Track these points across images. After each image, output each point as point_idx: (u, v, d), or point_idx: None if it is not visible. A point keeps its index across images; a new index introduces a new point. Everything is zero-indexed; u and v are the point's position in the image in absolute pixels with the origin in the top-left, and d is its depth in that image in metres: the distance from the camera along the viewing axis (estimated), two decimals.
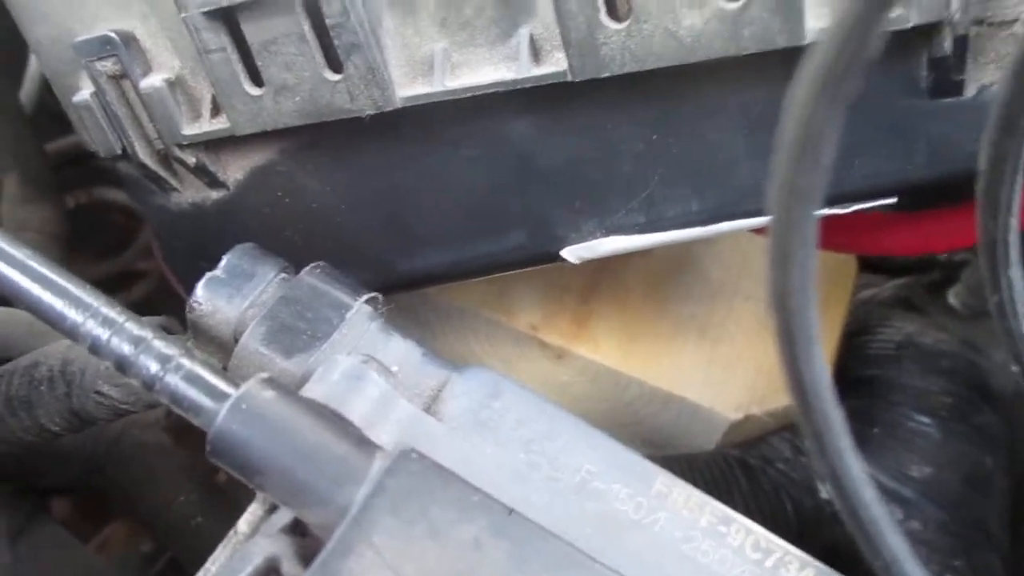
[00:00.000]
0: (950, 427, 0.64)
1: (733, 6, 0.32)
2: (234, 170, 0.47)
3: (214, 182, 0.47)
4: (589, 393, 0.64)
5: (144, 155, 0.45)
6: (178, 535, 0.60)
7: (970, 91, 0.34)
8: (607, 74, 0.34)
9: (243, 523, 0.32)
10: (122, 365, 0.32)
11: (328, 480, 0.30)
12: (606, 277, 0.64)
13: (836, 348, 0.68)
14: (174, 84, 0.43)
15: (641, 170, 0.40)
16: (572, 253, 0.43)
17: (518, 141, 0.40)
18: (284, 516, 0.31)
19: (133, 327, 0.32)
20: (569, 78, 0.35)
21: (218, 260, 0.50)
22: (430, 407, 0.34)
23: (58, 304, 0.32)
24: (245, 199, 0.47)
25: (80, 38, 0.42)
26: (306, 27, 0.37)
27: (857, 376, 0.68)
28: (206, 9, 0.37)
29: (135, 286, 0.87)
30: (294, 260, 0.43)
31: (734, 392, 0.63)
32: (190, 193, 0.48)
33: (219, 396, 0.31)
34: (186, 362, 0.31)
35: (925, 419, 0.64)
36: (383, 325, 0.37)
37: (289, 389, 0.31)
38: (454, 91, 0.37)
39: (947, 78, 0.33)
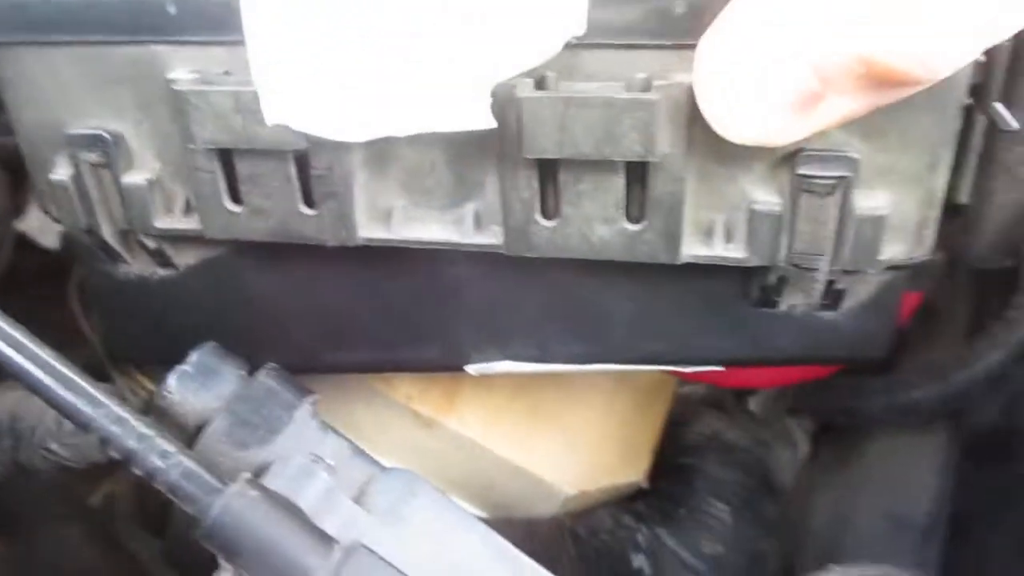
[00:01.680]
0: (740, 513, 0.77)
1: (633, 228, 0.43)
2: (187, 257, 0.52)
3: (166, 264, 0.53)
4: (453, 459, 0.73)
5: (107, 234, 0.50)
6: (61, 566, 0.63)
7: (782, 307, 0.47)
8: (534, 255, 0.44)
9: None
10: (128, 457, 0.38)
11: (298, 567, 0.37)
12: None
13: (659, 435, 0.80)
14: (153, 183, 0.48)
15: (542, 318, 0.50)
16: (474, 369, 0.53)
17: (450, 280, 0.50)
18: None
19: (140, 425, 0.38)
20: (503, 251, 0.45)
21: (151, 328, 0.56)
22: (359, 498, 0.42)
23: (77, 401, 0.38)
24: (191, 281, 0.53)
25: (71, 130, 0.47)
26: (292, 172, 0.45)
27: (672, 462, 0.81)
28: (211, 147, 0.44)
29: None
30: (229, 339, 0.50)
31: (573, 471, 0.74)
32: (138, 267, 0.53)
33: (212, 491, 0.38)
34: (184, 460, 0.38)
35: (721, 505, 0.77)
36: (321, 423, 0.45)
37: (266, 488, 0.39)
38: (406, 240, 0.46)
39: (769, 298, 0.46)
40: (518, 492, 0.74)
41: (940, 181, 0.41)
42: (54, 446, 0.46)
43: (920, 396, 0.70)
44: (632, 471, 0.77)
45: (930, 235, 0.43)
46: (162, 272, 0.53)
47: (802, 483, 0.85)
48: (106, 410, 0.38)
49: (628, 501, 0.79)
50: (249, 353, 0.52)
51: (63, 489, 0.68)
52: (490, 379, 0.74)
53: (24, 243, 0.85)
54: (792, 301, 0.47)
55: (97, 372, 0.70)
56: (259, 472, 0.41)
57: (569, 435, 0.74)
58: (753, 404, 0.85)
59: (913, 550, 0.72)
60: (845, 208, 0.41)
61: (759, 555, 0.77)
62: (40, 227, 0.77)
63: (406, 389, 0.71)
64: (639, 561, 0.74)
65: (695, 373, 0.54)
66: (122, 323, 0.56)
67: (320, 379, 0.71)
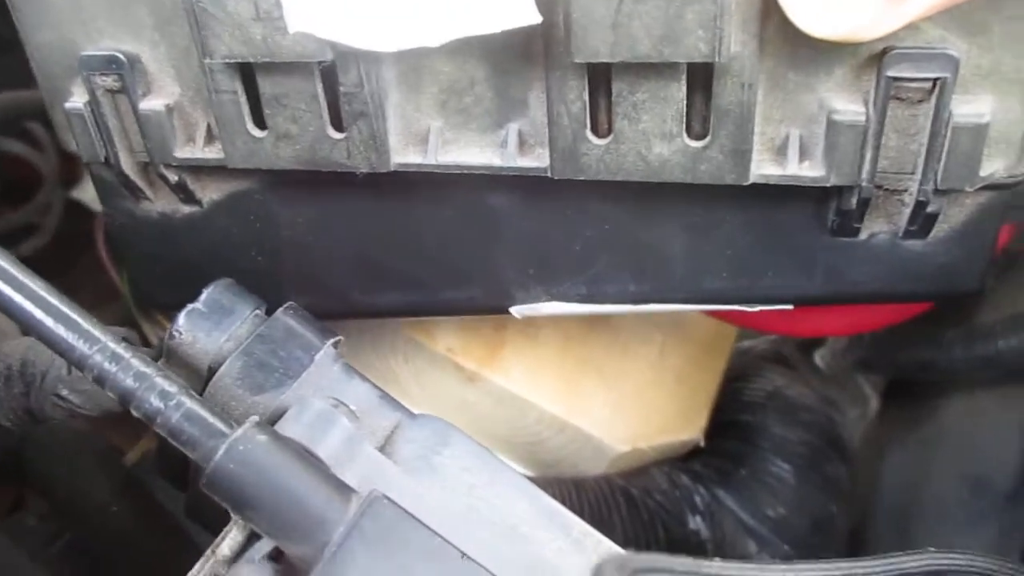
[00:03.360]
0: (805, 474, 0.73)
1: (696, 145, 0.38)
2: (211, 191, 0.49)
3: (189, 199, 0.49)
4: (494, 414, 0.70)
5: (127, 167, 0.47)
6: (94, 521, 0.61)
7: (863, 235, 0.42)
8: (582, 178, 0.40)
9: (225, 547, 0.35)
10: (125, 398, 0.35)
11: (311, 519, 0.34)
12: None
13: (717, 391, 0.76)
14: (172, 109, 0.44)
15: (591, 252, 0.46)
16: (519, 311, 0.48)
17: (490, 212, 0.46)
18: (266, 545, 0.34)
19: (138, 363, 0.35)
20: (549, 175, 0.41)
21: (175, 269, 0.53)
22: (384, 447, 0.38)
23: (69, 336, 0.34)
24: (217, 218, 0.50)
25: (85, 52, 0.44)
26: (319, 89, 0.41)
27: (731, 419, 0.77)
28: (230, 60, 0.40)
29: (28, 240, 0.87)
30: (256, 281, 0.46)
31: (623, 427, 0.70)
32: (161, 204, 0.50)
33: (216, 435, 0.34)
34: (186, 400, 0.35)
35: (784, 465, 0.73)
36: (345, 366, 0.41)
37: (277, 433, 0.35)
38: (444, 165, 0.42)
39: (848, 224, 0.41)
40: (566, 449, 0.70)
41: None
42: (65, 392, 0.43)
43: (1005, 347, 0.65)
44: (688, 428, 0.73)
45: None
46: (186, 208, 0.50)
47: (871, 443, 0.80)
48: (101, 346, 0.34)
49: (684, 460, 0.75)
50: (278, 295, 0.49)
51: (96, 447, 0.66)
52: (535, 330, 0.71)
53: (78, 208, 0.84)
54: (874, 228, 0.42)
55: (131, 323, 0.69)
56: (274, 418, 0.37)
57: (620, 389, 0.70)
58: (819, 358, 0.80)
59: (995, 516, 0.67)
60: (940, 116, 0.36)
61: (824, 519, 0.72)
62: (94, 196, 0.76)
63: (447, 340, 0.68)
64: (695, 523, 0.70)
65: (759, 316, 0.49)
66: (146, 265, 0.53)
67: (356, 330, 0.69)
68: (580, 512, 0.67)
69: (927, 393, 0.76)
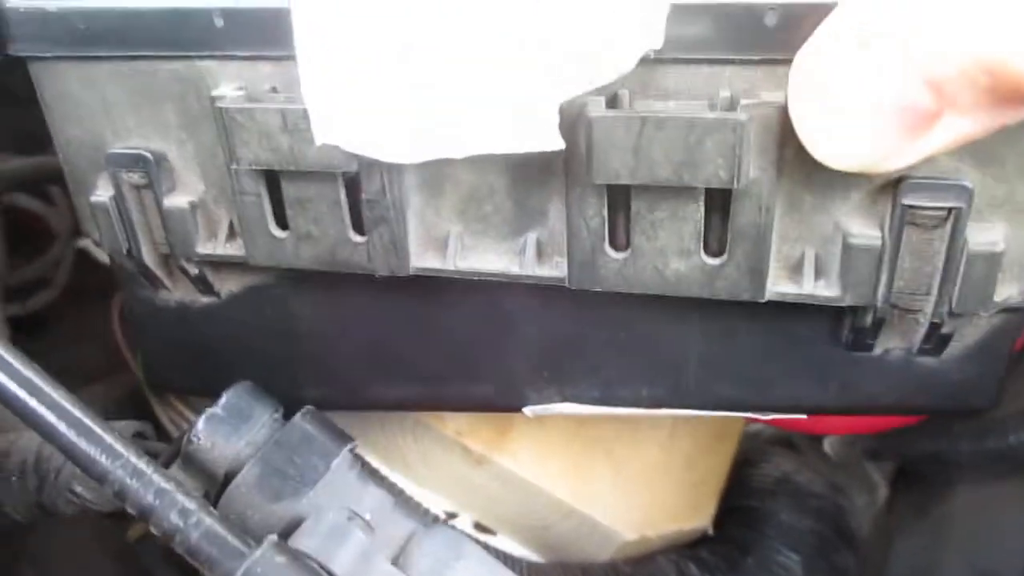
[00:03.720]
0: (813, 563, 0.72)
1: (713, 263, 0.39)
2: (230, 284, 0.50)
3: (208, 291, 0.50)
4: (503, 497, 0.69)
5: (148, 259, 0.48)
6: None
7: (877, 351, 0.43)
8: (599, 289, 0.40)
9: None
10: (144, 513, 0.35)
11: None
12: None
13: (726, 477, 0.76)
14: (196, 206, 0.45)
15: (605, 357, 0.46)
16: (532, 411, 0.49)
17: (505, 313, 0.46)
18: None
19: (159, 479, 0.35)
20: (567, 285, 0.41)
21: (191, 357, 0.53)
22: (398, 558, 0.38)
23: (91, 450, 0.35)
24: (234, 310, 0.50)
25: (113, 149, 0.45)
26: (342, 196, 0.41)
27: (738, 505, 0.76)
28: (256, 169, 0.41)
29: (38, 294, 0.87)
30: (270, 372, 0.47)
31: (631, 514, 0.70)
32: (179, 294, 0.51)
33: (235, 555, 0.34)
34: (206, 518, 0.35)
35: (792, 555, 0.72)
36: (361, 474, 0.41)
37: (294, 554, 0.35)
38: (463, 271, 0.42)
39: (863, 341, 0.42)
40: (573, 534, 0.70)
41: None
42: (79, 489, 0.43)
43: (1015, 441, 0.65)
44: (697, 516, 0.73)
45: None
46: (204, 299, 0.51)
47: (880, 531, 0.79)
48: (123, 461, 0.35)
49: (691, 547, 0.74)
50: (292, 386, 0.49)
51: (98, 525, 0.66)
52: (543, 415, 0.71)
53: (86, 260, 0.85)
54: (889, 345, 0.42)
55: (142, 400, 0.69)
56: (290, 528, 0.37)
57: (628, 476, 0.70)
58: (827, 445, 0.79)
59: None
60: (955, 243, 0.36)
61: None
62: None
63: (456, 423, 0.68)
64: None
65: (773, 419, 0.50)
66: (162, 350, 0.53)
67: (364, 412, 0.69)
68: None
69: (936, 482, 0.76)
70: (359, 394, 0.51)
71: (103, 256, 0.74)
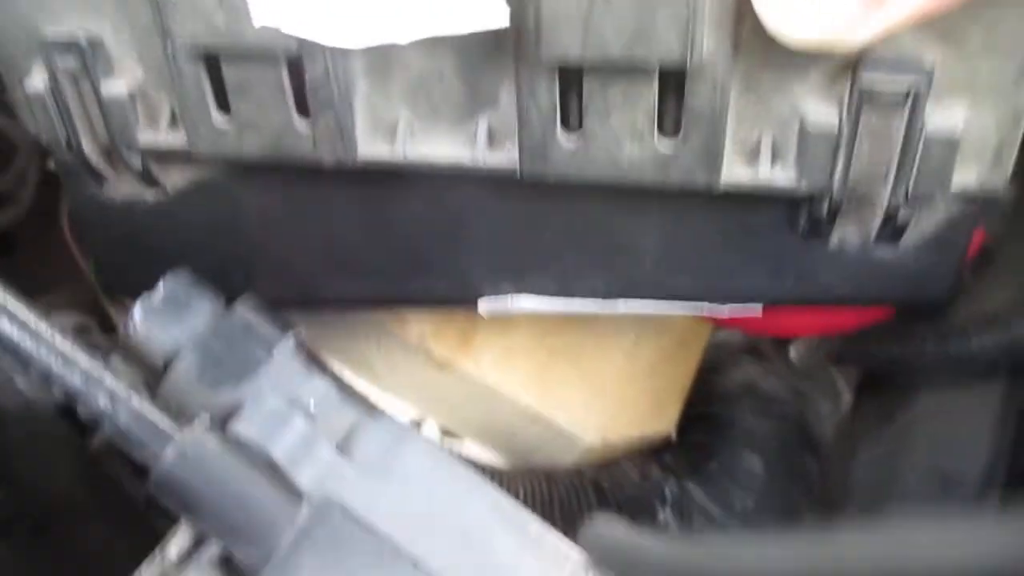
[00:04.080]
0: (774, 467, 0.73)
1: (667, 146, 0.37)
2: (176, 178, 0.48)
3: (153, 185, 0.48)
4: (468, 403, 0.69)
5: (89, 151, 0.46)
6: (54, 501, 0.60)
7: (834, 240, 0.42)
8: (551, 178, 0.39)
9: (172, 549, 0.34)
10: (71, 398, 0.34)
11: (260, 524, 0.33)
12: None
13: (690, 385, 0.76)
14: (135, 93, 0.43)
15: (560, 249, 0.45)
16: (486, 305, 0.48)
17: (457, 204, 0.45)
18: (214, 548, 0.34)
19: (84, 361, 0.34)
20: (518, 174, 0.40)
21: (140, 256, 0.52)
22: (342, 445, 0.38)
23: (15, 333, 0.33)
24: (181, 206, 0.49)
25: (46, 33, 0.43)
26: (285, 78, 0.40)
27: (703, 412, 0.76)
28: (193, 45, 0.39)
29: (3, 210, 0.85)
30: (222, 270, 0.46)
31: (596, 419, 0.70)
32: (125, 190, 0.49)
33: (163, 437, 0.34)
34: (134, 402, 0.34)
35: (755, 458, 0.73)
36: (305, 362, 0.40)
37: (226, 435, 0.34)
38: (412, 160, 0.41)
39: (819, 229, 0.41)
40: (537, 439, 0.70)
41: None
42: (19, 382, 0.42)
43: (977, 346, 0.65)
44: (660, 421, 0.73)
45: (1010, 159, 0.37)
46: (150, 195, 0.49)
47: (843, 437, 0.80)
48: (48, 345, 0.33)
49: (655, 452, 0.74)
50: (244, 283, 0.48)
51: (58, 431, 0.65)
52: (508, 320, 0.70)
53: (57, 181, 0.83)
54: (845, 234, 0.41)
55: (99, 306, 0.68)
56: (229, 415, 0.36)
57: (592, 382, 0.70)
58: (793, 352, 0.80)
59: (964, 511, 0.67)
60: (914, 125, 0.35)
61: (794, 512, 0.72)
62: None
63: (419, 328, 0.67)
64: (665, 515, 0.70)
65: (730, 316, 0.49)
66: (111, 251, 0.52)
67: (329, 317, 0.68)
68: (550, 504, 0.67)
69: (899, 389, 0.77)
70: (313, 291, 0.50)
71: None
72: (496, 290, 0.48)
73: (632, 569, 0.34)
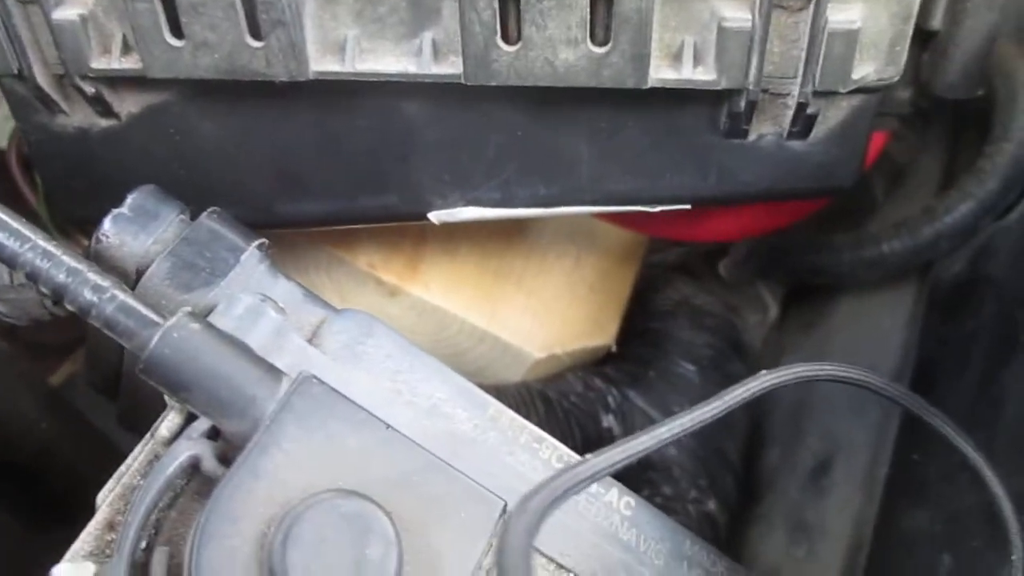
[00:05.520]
0: (708, 374, 0.78)
1: (599, 51, 0.41)
2: (129, 104, 0.49)
3: (107, 112, 0.50)
4: (416, 327, 0.72)
5: (41, 79, 0.47)
6: (20, 439, 0.62)
7: (751, 137, 0.46)
8: (494, 84, 0.42)
9: (163, 428, 0.37)
10: (58, 292, 0.36)
11: (245, 397, 0.36)
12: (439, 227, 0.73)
13: (628, 300, 0.80)
14: (86, 18, 0.44)
15: (503, 158, 0.48)
16: (436, 216, 0.51)
17: (405, 119, 0.47)
18: (203, 424, 0.37)
19: (69, 260, 0.36)
20: (462, 81, 0.43)
21: (93, 185, 0.53)
22: (312, 340, 0.41)
23: (0, 235, 0.36)
24: (135, 132, 0.50)
25: None
26: None
27: (641, 327, 0.81)
28: None
29: None
30: (176, 194, 0.47)
31: (540, 334, 0.74)
32: (78, 118, 0.50)
33: (150, 324, 0.36)
34: (119, 293, 0.36)
35: (689, 366, 0.78)
36: (271, 267, 0.43)
37: (208, 322, 0.37)
38: (361, 73, 0.44)
39: (738, 126, 0.45)
40: (486, 357, 0.74)
41: None
42: None
43: (888, 250, 0.71)
44: (601, 335, 0.77)
45: (902, 53, 0.42)
46: (103, 123, 0.50)
47: (770, 347, 0.86)
48: (32, 244, 0.36)
49: (598, 365, 0.79)
50: (199, 208, 0.50)
51: (20, 368, 0.66)
52: (455, 245, 0.74)
53: None
54: (762, 130, 0.45)
55: None
56: (203, 314, 0.39)
57: (535, 299, 0.74)
58: (722, 268, 0.85)
59: (876, 404, 0.73)
60: (818, 23, 0.39)
61: (727, 416, 0.77)
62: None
63: (368, 256, 0.70)
64: (608, 421, 0.74)
65: (662, 223, 0.53)
66: (63, 181, 0.53)
67: (278, 245, 0.70)
68: None
69: (821, 298, 0.82)
70: (267, 212, 0.52)
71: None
72: (445, 203, 0.51)
73: None
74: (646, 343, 0.80)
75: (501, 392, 0.73)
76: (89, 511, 0.38)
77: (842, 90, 0.42)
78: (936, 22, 0.43)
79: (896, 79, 0.42)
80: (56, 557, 0.36)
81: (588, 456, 0.37)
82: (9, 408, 0.64)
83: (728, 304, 0.85)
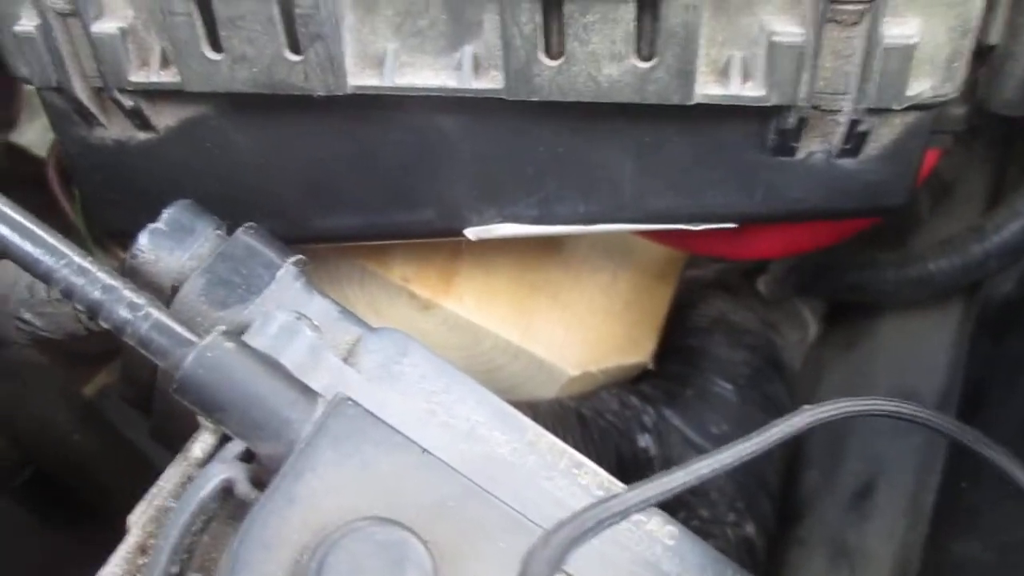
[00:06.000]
0: (746, 393, 0.76)
1: (644, 66, 0.40)
2: (167, 117, 0.49)
3: (145, 125, 0.49)
4: (449, 342, 0.71)
5: (80, 92, 0.47)
6: (54, 451, 0.62)
7: (800, 155, 0.45)
8: (536, 99, 0.41)
9: (197, 449, 0.37)
10: (93, 310, 0.36)
11: (279, 419, 0.35)
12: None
13: (665, 317, 0.79)
14: (126, 32, 0.44)
15: (542, 174, 0.47)
16: (473, 233, 0.50)
17: (443, 134, 0.47)
18: (237, 446, 0.36)
19: (105, 276, 0.36)
20: (503, 96, 0.42)
21: (131, 198, 0.53)
22: (347, 359, 0.40)
23: (36, 251, 0.35)
24: (172, 145, 0.50)
25: None
26: (275, 12, 0.41)
27: (678, 344, 0.80)
28: None
29: None
30: (212, 207, 0.47)
31: (575, 351, 0.73)
32: (116, 131, 0.50)
33: (185, 343, 0.36)
34: (154, 311, 0.36)
35: (727, 385, 0.76)
36: (306, 284, 0.42)
37: (243, 341, 0.36)
38: (400, 88, 0.43)
39: (786, 143, 0.44)
40: (520, 374, 0.73)
41: (975, 7, 0.38)
42: (28, 316, 0.44)
43: (935, 269, 0.69)
44: (637, 352, 0.76)
45: (960, 70, 0.40)
46: (141, 136, 0.50)
47: (811, 365, 0.84)
48: (67, 260, 0.35)
49: (633, 383, 0.77)
50: (235, 221, 0.49)
51: (55, 381, 0.67)
52: (489, 259, 0.73)
53: (17, 153, 0.83)
54: (811, 148, 0.44)
55: None
56: (238, 332, 0.38)
57: (571, 315, 0.73)
58: (761, 285, 0.83)
59: (921, 428, 0.71)
60: (872, 38, 0.38)
61: None
62: (35, 140, 0.74)
63: (402, 270, 0.69)
64: (644, 441, 0.73)
65: (704, 240, 0.52)
66: (100, 193, 0.53)
67: (312, 259, 0.69)
68: None
69: (864, 316, 0.80)
70: (303, 226, 0.52)
71: (36, 148, 0.73)
72: (481, 219, 0.50)
73: None
74: (682, 360, 0.78)
75: (535, 409, 0.72)
76: (120, 521, 0.38)
77: (896, 107, 0.40)
78: (994, 36, 0.41)
79: (953, 96, 0.41)
80: (85, 565, 0.36)
81: (624, 488, 0.35)
82: (45, 420, 0.64)
83: (767, 321, 0.83)
